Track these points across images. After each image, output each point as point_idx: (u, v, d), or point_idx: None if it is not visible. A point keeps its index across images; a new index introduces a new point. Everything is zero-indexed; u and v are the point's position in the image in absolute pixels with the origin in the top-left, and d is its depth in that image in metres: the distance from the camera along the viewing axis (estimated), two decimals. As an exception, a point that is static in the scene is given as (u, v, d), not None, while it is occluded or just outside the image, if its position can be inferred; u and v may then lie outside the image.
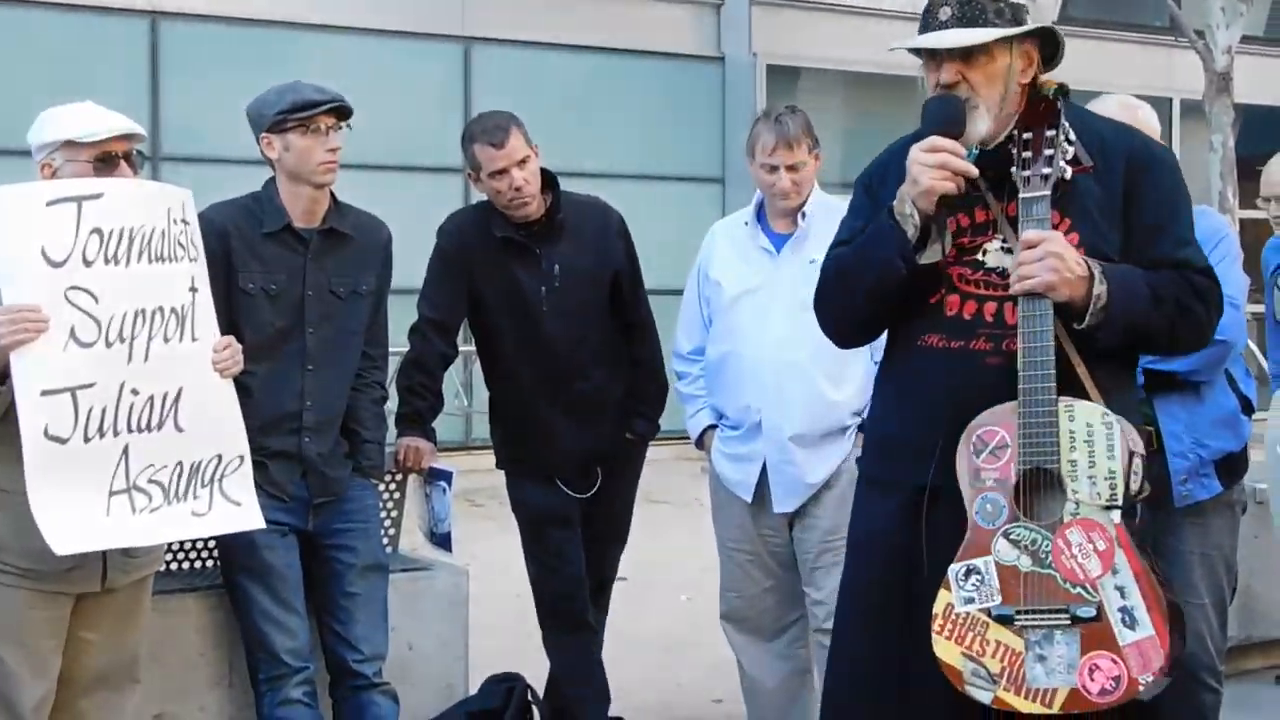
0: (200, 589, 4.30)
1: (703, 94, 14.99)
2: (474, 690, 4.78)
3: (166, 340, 3.53)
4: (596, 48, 14.49)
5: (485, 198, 4.87)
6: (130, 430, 3.46)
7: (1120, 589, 2.90)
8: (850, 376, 4.54)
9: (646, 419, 5.02)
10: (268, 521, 4.03)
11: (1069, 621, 2.93)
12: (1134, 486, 2.95)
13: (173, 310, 3.55)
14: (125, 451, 3.46)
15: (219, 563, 4.33)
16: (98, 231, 3.41)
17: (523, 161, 4.67)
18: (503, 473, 5.06)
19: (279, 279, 4.18)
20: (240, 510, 3.69)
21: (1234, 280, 4.22)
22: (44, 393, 3.33)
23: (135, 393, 3.47)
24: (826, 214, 4.54)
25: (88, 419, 3.39)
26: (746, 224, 4.75)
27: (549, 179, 4.82)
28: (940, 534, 3.06)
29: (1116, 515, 2.94)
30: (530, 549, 4.96)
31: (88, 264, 3.39)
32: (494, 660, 5.11)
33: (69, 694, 3.67)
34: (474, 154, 4.72)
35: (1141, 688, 2.88)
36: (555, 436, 4.84)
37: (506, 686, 4.78)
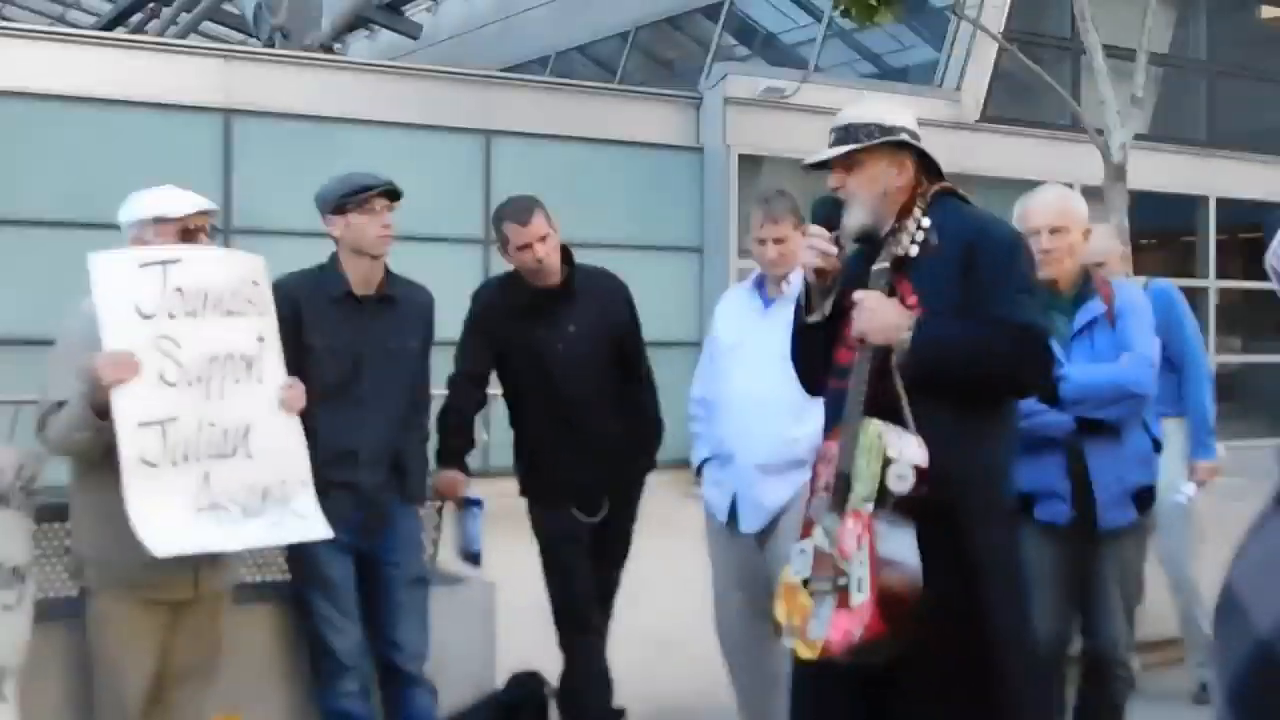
0: (269, 599, 4.27)
1: (684, 178, 15.04)
2: (499, 686, 4.74)
3: (237, 381, 3.55)
4: (595, 139, 14.54)
5: (510, 267, 4.85)
6: (209, 457, 3.48)
7: (861, 562, 3.08)
8: (811, 416, 4.47)
9: (647, 455, 5.01)
10: (328, 542, 4.01)
11: (831, 588, 3.12)
12: (893, 486, 3.09)
13: (242, 356, 3.58)
14: (206, 476, 3.48)
15: (286, 576, 4.29)
16: (180, 290, 3.45)
17: (544, 238, 4.66)
18: (519, 497, 5.02)
19: (342, 337, 4.17)
20: (308, 523, 3.70)
21: (1146, 341, 4.24)
22: (140, 424, 3.36)
23: (212, 425, 3.49)
24: None
25: (173, 447, 3.41)
26: (747, 289, 4.76)
27: (566, 253, 4.81)
28: None
29: (870, 506, 3.10)
30: (547, 565, 4.92)
31: (172, 317, 3.43)
32: (510, 659, 5.06)
33: (160, 688, 3.67)
34: (503, 230, 4.71)
35: (855, 639, 3.03)
36: (569, 471, 4.82)
37: (527, 682, 4.73)
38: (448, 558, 4.91)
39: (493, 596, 4.70)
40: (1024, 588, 3.38)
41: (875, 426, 3.13)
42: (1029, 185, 4.65)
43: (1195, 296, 17.24)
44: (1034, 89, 16.72)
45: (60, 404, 3.45)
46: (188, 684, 3.72)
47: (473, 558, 4.77)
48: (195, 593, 3.61)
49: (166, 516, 3.37)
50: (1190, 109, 18.80)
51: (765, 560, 4.56)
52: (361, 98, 13.43)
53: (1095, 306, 4.28)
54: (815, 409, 4.43)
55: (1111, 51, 13.43)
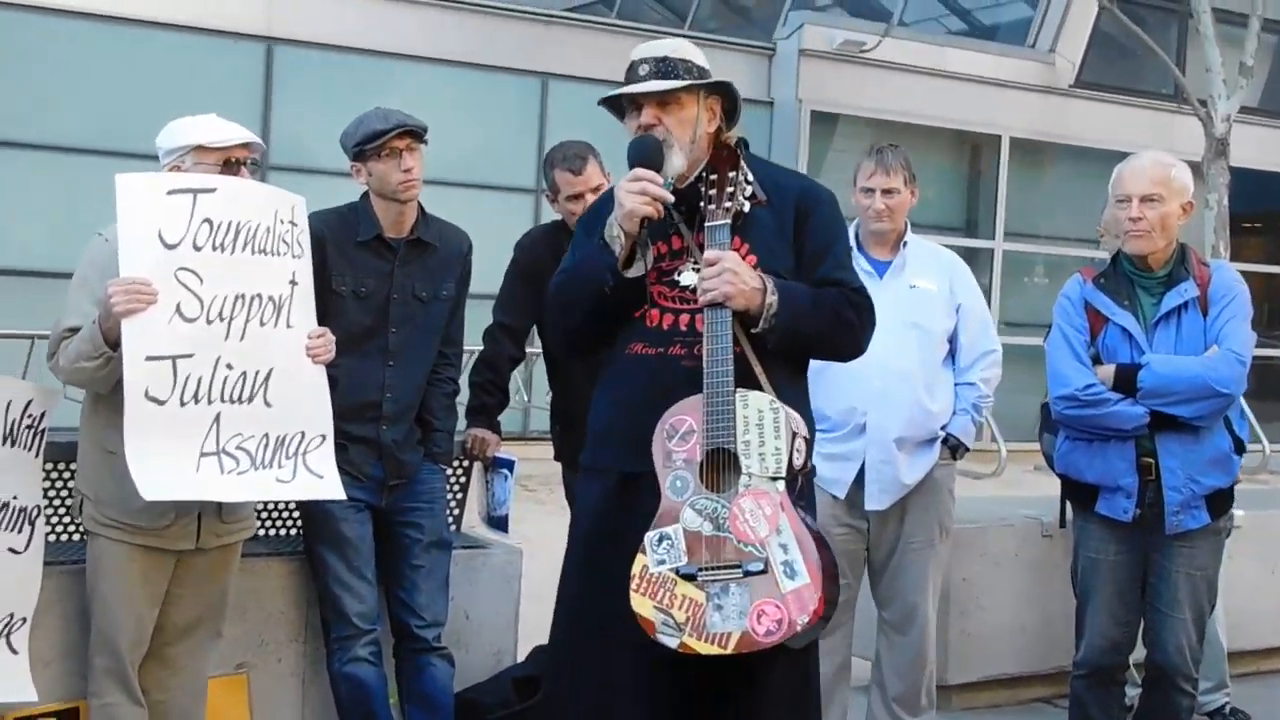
0: (283, 554, 4.29)
1: (753, 134, 14.79)
2: (521, 657, 4.75)
3: (262, 324, 3.54)
4: (659, 88, 14.47)
5: (558, 216, 4.84)
6: (223, 400, 3.47)
7: (784, 546, 3.04)
8: (942, 391, 4.57)
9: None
10: (346, 498, 4.02)
11: (741, 575, 3.05)
12: (797, 462, 3.11)
13: (270, 298, 3.56)
14: (217, 419, 3.47)
15: (300, 532, 4.32)
16: (209, 221, 3.44)
17: (597, 189, 4.62)
18: (555, 462, 5.02)
19: (368, 283, 4.16)
20: (322, 481, 3.68)
21: (1241, 337, 4.13)
22: (148, 358, 3.36)
23: (230, 367, 3.48)
24: (922, 250, 4.64)
25: (184, 386, 3.41)
26: None
27: (617, 205, 4.78)
28: (641, 510, 3.19)
29: (781, 485, 3.07)
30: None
31: (197, 249, 3.42)
32: (536, 629, 5.06)
33: (160, 641, 3.69)
34: (554, 178, 4.69)
35: (799, 628, 3.01)
36: (607, 435, 4.80)
37: (550, 656, 4.74)
38: (473, 521, 4.92)
39: (518, 564, 4.70)
40: None
41: (764, 398, 3.11)
42: (1122, 157, 4.57)
43: (1298, 286, 16.99)
44: (1134, 53, 16.48)
45: (73, 330, 3.48)
46: (189, 640, 3.74)
47: (499, 522, 4.76)
48: (196, 544, 3.63)
49: (165, 458, 3.37)
50: (1305, 82, 18.44)
51: (880, 541, 4.59)
52: (411, 32, 13.44)
53: (1187, 289, 4.17)
54: (943, 384, 4.52)
55: (1222, 16, 13.21)
